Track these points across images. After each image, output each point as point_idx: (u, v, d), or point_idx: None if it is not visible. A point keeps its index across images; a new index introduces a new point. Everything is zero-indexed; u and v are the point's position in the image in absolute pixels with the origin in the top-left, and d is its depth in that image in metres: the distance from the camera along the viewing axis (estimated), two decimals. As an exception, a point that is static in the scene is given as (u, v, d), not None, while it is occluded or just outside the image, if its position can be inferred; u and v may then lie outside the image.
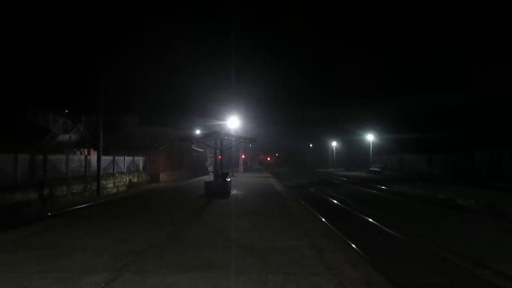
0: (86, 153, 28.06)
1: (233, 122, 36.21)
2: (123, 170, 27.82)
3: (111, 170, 25.70)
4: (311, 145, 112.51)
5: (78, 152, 29.69)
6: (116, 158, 26.71)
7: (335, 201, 19.60)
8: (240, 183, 27.11)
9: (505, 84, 36.73)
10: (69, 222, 11.12)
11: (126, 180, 27.67)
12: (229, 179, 20.68)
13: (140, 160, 31.96)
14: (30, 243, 7.94)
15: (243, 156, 59.88)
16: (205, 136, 22.34)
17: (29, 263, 6.40)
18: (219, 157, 20.63)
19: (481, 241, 10.11)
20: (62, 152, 23.37)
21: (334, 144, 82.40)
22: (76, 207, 15.53)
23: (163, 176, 34.71)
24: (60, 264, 6.33)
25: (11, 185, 15.29)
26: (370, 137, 61.24)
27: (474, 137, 37.05)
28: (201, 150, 50.74)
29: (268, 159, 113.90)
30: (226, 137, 22.06)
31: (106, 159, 24.87)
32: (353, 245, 8.75)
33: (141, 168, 31.97)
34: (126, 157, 28.63)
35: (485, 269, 7.49)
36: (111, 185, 24.92)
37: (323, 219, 12.19)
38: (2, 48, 34.26)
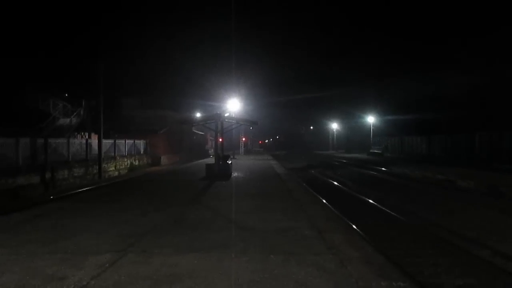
0: (86, 137, 28.08)
1: (233, 105, 35.91)
2: (124, 153, 27.91)
3: (112, 154, 25.78)
4: (311, 128, 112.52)
5: (79, 136, 29.73)
6: (117, 141, 26.77)
7: (335, 183, 19.69)
8: (241, 165, 27.18)
9: (507, 66, 36.53)
10: (72, 204, 11.21)
11: (127, 163, 27.77)
12: (230, 162, 20.72)
13: (141, 143, 32.02)
14: (33, 226, 8.01)
15: (243, 139, 59.98)
16: (205, 119, 22.29)
17: (32, 245, 6.47)
18: (220, 139, 20.61)
19: (480, 222, 10.16)
20: (62, 136, 23.40)
21: (334, 126, 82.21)
22: (78, 190, 15.60)
23: (164, 159, 34.83)
24: (63, 246, 6.40)
25: (13, 169, 15.36)
26: (370, 119, 61.07)
27: (475, 119, 36.97)
28: (201, 133, 50.76)
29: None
30: (226, 120, 22.02)
31: (107, 142, 24.93)
32: (353, 226, 8.83)
33: (142, 151, 32.04)
34: (127, 141, 28.69)
35: (485, 249, 7.57)
36: (112, 168, 25.03)
37: (324, 200, 12.27)
38: (2, 32, 33.91)
